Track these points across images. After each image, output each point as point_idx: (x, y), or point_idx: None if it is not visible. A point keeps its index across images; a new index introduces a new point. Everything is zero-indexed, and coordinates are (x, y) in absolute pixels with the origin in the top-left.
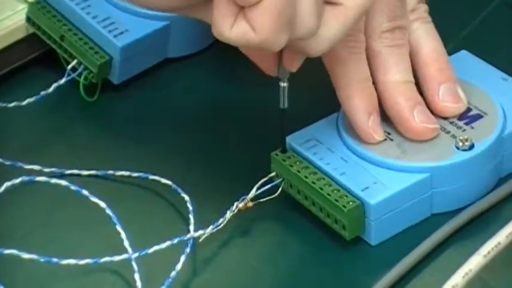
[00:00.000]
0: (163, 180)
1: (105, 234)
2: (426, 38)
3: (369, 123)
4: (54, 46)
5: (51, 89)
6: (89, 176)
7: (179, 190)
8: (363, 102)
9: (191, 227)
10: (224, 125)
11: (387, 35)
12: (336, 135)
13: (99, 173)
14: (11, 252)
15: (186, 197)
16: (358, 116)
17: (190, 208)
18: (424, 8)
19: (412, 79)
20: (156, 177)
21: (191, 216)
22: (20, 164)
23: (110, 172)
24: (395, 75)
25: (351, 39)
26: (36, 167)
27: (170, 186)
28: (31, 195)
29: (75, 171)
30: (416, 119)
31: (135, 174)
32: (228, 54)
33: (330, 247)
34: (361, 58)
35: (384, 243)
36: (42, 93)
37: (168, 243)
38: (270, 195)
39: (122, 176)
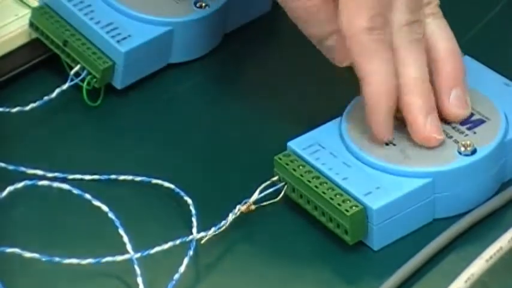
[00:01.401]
0: (166, 184)
1: (107, 238)
2: (440, 34)
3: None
4: (57, 51)
5: (54, 94)
6: (92, 180)
7: (182, 193)
8: (386, 99)
9: (194, 230)
10: (226, 129)
11: (406, 29)
12: (338, 140)
13: (102, 177)
14: (13, 251)
15: (189, 200)
16: (379, 112)
17: (193, 211)
18: (437, 1)
19: (429, 77)
20: (159, 181)
21: (194, 220)
22: (22, 168)
23: (113, 176)
24: (414, 72)
25: (379, 32)
26: (39, 172)
27: (173, 189)
28: (34, 199)
29: (78, 176)
30: (428, 125)
31: (137, 178)
32: (231, 59)
33: (332, 251)
34: (389, 53)
35: (386, 248)
36: (45, 98)
37: (170, 244)
38: (273, 198)
39: (125, 180)
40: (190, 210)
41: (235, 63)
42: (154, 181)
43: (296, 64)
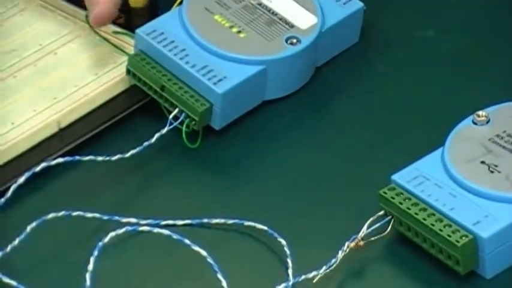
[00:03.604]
0: (259, 226)
1: (207, 283)
2: None
3: None
4: (155, 96)
5: (153, 139)
6: (185, 225)
7: (275, 235)
8: None
9: (290, 271)
10: (326, 164)
11: None
12: (442, 171)
13: (194, 221)
14: None
15: (283, 241)
16: None
17: (288, 252)
18: None
19: None
20: (251, 223)
21: (289, 260)
22: (116, 217)
23: (205, 220)
24: None
25: None
26: (132, 220)
27: (266, 231)
28: (134, 244)
29: (170, 222)
30: None
31: (230, 221)
32: (324, 91)
33: (444, 283)
34: None
35: (498, 276)
36: (145, 143)
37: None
38: (380, 233)
39: (217, 223)
40: (285, 251)
41: (328, 95)
42: (247, 223)
43: (390, 93)
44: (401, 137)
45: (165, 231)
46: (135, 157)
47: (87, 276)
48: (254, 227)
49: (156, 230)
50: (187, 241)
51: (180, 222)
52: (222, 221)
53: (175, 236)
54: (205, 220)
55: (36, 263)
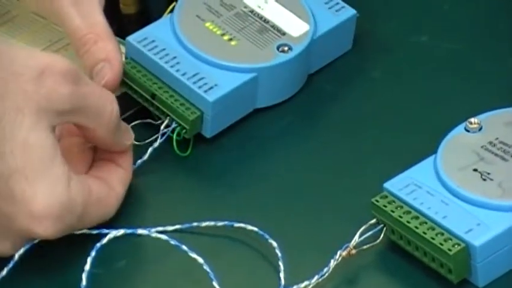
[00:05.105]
0: (249, 227)
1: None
2: None
3: None
4: (146, 104)
5: (146, 156)
6: (175, 230)
7: (266, 236)
8: None
9: (281, 275)
10: (318, 172)
11: None
12: (434, 178)
13: (183, 226)
14: None
15: (274, 243)
16: None
17: (279, 254)
18: None
19: None
20: (242, 225)
21: (281, 263)
22: (105, 230)
23: (195, 224)
24: None
25: None
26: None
27: (256, 232)
28: (131, 249)
29: (160, 228)
30: None
31: (219, 224)
32: (316, 99)
33: None
34: None
35: (491, 284)
36: (139, 161)
37: None
38: (372, 241)
39: (207, 226)
40: (277, 253)
41: (321, 103)
42: (237, 225)
43: (382, 100)
44: (394, 144)
45: (163, 236)
46: None
47: (84, 276)
48: (245, 228)
49: (153, 234)
50: (175, 243)
51: (170, 228)
52: (212, 223)
53: (172, 242)
54: (195, 224)
55: (33, 275)
